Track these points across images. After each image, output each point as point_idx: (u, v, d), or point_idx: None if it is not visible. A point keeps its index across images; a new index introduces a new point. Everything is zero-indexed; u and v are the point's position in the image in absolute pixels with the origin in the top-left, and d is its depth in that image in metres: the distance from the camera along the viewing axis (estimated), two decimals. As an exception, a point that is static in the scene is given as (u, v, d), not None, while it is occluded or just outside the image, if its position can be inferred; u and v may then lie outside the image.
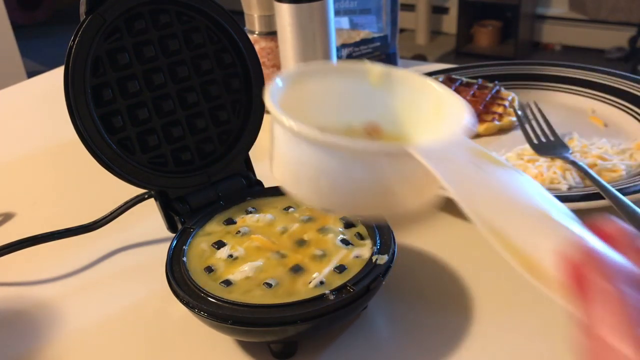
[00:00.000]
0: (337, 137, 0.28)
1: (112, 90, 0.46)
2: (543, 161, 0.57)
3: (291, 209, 0.47)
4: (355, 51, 0.87)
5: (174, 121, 0.49)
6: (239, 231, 0.45)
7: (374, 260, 0.41)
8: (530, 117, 0.65)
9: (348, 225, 0.45)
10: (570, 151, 0.58)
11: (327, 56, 0.69)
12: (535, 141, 0.61)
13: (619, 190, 0.49)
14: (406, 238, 0.52)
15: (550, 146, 0.59)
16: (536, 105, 0.67)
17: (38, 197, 0.64)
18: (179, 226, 0.47)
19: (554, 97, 0.72)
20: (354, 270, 0.40)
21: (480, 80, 0.73)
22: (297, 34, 0.67)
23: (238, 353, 0.42)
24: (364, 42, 0.87)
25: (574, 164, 0.55)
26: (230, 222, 0.46)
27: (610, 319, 0.22)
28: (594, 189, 0.50)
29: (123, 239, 0.55)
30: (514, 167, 0.31)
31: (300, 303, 0.38)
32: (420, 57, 3.15)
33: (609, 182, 0.51)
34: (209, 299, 0.39)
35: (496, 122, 0.67)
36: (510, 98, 0.71)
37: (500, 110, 0.69)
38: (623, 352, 0.21)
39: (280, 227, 0.45)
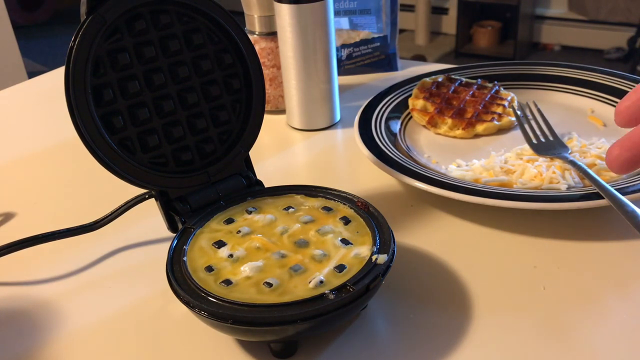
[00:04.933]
0: None
1: (113, 90, 0.46)
2: (542, 161, 0.57)
3: (291, 209, 0.47)
4: (355, 51, 0.87)
5: (174, 121, 0.49)
6: (240, 231, 0.45)
7: (373, 259, 0.41)
8: (530, 117, 0.65)
9: (347, 222, 0.45)
10: (570, 151, 0.58)
11: (327, 56, 0.69)
12: (534, 141, 0.61)
13: (618, 190, 0.49)
14: (406, 238, 0.52)
15: (549, 146, 0.59)
16: (535, 105, 0.67)
17: (38, 197, 0.64)
18: (180, 226, 0.47)
19: (553, 97, 0.73)
20: (353, 270, 0.40)
21: (479, 80, 0.74)
22: (297, 34, 0.68)
23: (238, 352, 0.42)
24: (364, 42, 0.87)
25: (573, 163, 0.55)
26: (230, 221, 0.46)
27: None
28: (593, 189, 0.51)
29: (123, 239, 0.55)
30: None
31: (300, 303, 0.38)
32: (420, 58, 3.15)
33: (608, 182, 0.51)
34: (210, 298, 0.39)
35: (495, 122, 0.67)
36: (509, 98, 0.71)
37: (499, 110, 0.69)
38: None
39: (281, 227, 0.45)
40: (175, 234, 0.46)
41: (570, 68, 0.74)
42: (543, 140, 0.61)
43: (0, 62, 2.22)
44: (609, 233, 0.50)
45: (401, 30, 3.24)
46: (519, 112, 0.67)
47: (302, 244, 0.43)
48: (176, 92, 0.49)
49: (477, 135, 0.67)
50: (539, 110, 0.66)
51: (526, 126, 0.63)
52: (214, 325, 0.39)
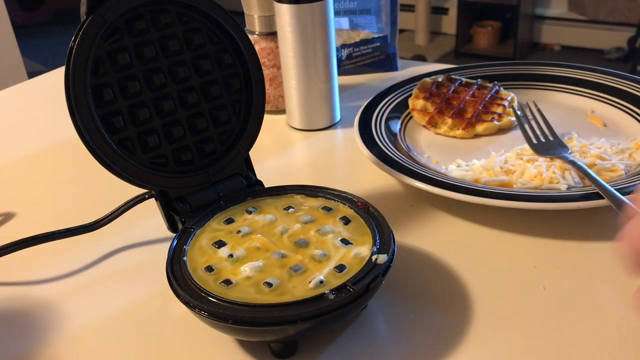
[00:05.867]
0: None
1: (113, 90, 0.46)
2: (542, 161, 0.57)
3: (291, 209, 0.47)
4: (355, 51, 0.87)
5: (174, 121, 0.49)
6: (240, 231, 0.45)
7: (373, 259, 0.41)
8: (530, 117, 0.65)
9: (347, 222, 0.45)
10: (570, 151, 0.58)
11: (327, 56, 0.69)
12: (534, 141, 0.61)
13: (618, 190, 0.49)
14: (406, 238, 0.52)
15: (549, 146, 0.59)
16: (535, 105, 0.67)
17: (38, 197, 0.64)
18: (180, 226, 0.47)
19: (553, 97, 0.73)
20: (353, 270, 0.40)
21: (479, 80, 0.74)
22: (297, 34, 0.68)
23: (238, 353, 0.42)
24: (364, 42, 0.87)
25: (573, 163, 0.55)
26: (230, 221, 0.46)
27: None
28: (593, 189, 0.51)
29: (123, 239, 0.55)
30: None
31: (300, 303, 0.38)
32: (420, 58, 3.15)
33: (608, 182, 0.51)
34: (210, 298, 0.39)
35: (495, 122, 0.67)
36: (509, 98, 0.71)
37: (499, 110, 0.69)
38: None
39: (281, 227, 0.45)
40: (175, 234, 0.46)
41: (570, 68, 0.74)
42: (543, 140, 0.61)
43: (0, 62, 2.22)
44: (609, 233, 0.50)
45: (401, 30, 3.25)
46: (519, 112, 0.67)
47: (302, 244, 0.43)
48: (176, 92, 0.49)
49: (477, 135, 0.67)
50: (539, 110, 0.66)
51: (526, 126, 0.63)
52: (214, 325, 0.39)
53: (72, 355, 0.43)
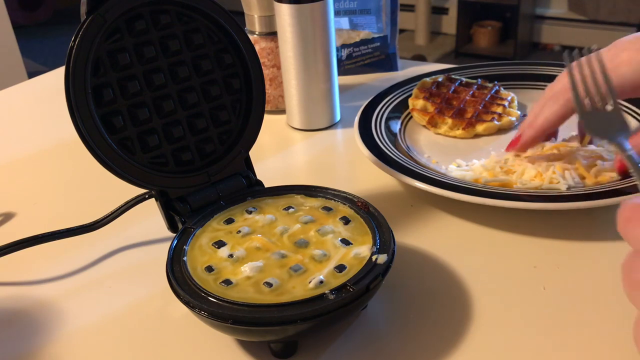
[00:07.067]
0: None
1: (113, 90, 0.46)
2: (543, 161, 0.57)
3: (291, 209, 0.47)
4: (355, 51, 0.87)
5: (174, 121, 0.49)
6: (240, 231, 0.45)
7: (373, 259, 0.41)
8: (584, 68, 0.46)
9: (347, 222, 0.45)
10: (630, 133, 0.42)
11: (327, 56, 0.69)
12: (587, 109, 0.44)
13: (618, 190, 0.49)
14: (406, 238, 0.52)
15: (604, 121, 0.44)
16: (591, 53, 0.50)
17: (38, 197, 0.64)
18: (180, 226, 0.47)
19: (554, 97, 0.72)
20: (353, 270, 0.40)
21: (479, 80, 0.74)
22: (297, 34, 0.68)
23: (238, 353, 0.42)
24: (364, 42, 0.87)
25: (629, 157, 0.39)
26: (230, 221, 0.46)
27: None
28: (593, 189, 0.50)
29: (123, 239, 0.55)
30: None
31: (300, 303, 0.38)
32: (420, 58, 3.15)
33: (608, 182, 0.51)
34: (210, 298, 0.39)
35: (495, 122, 0.67)
36: (509, 98, 0.71)
37: (499, 110, 0.69)
38: None
39: (281, 227, 0.45)
40: (175, 234, 0.46)
41: (570, 68, 0.74)
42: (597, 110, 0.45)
43: (0, 62, 2.22)
44: (609, 233, 0.50)
45: (401, 30, 3.25)
46: (568, 60, 0.50)
47: (302, 244, 0.43)
48: (176, 92, 0.49)
49: (477, 135, 0.67)
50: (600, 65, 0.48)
51: (578, 86, 0.46)
52: (214, 325, 0.39)
53: (72, 355, 0.43)
